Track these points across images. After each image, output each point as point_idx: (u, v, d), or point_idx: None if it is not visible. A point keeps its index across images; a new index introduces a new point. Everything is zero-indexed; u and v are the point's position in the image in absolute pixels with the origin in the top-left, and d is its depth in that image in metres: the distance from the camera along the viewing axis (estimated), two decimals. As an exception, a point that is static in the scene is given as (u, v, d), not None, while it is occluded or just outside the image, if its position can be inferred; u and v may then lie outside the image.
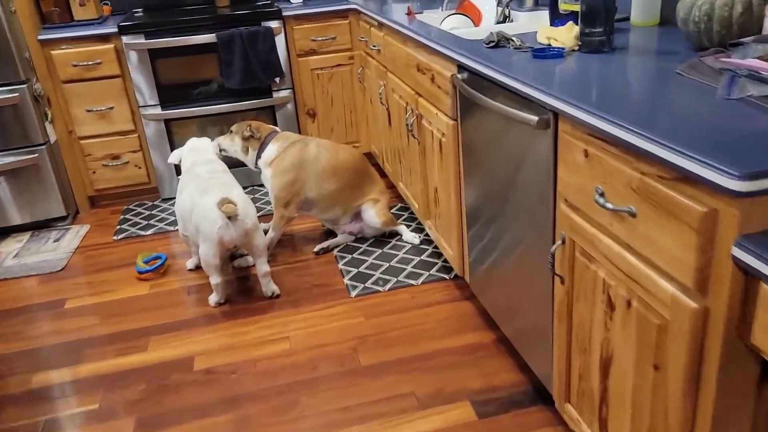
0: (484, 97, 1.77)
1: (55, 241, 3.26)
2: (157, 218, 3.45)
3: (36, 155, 3.28)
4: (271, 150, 2.81)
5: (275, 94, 3.61)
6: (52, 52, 3.30)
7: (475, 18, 2.72)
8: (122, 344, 2.37)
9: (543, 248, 1.64)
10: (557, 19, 2.02)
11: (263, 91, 3.59)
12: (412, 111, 2.61)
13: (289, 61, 3.59)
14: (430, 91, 2.36)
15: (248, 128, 2.84)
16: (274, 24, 3.46)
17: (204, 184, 2.49)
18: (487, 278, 2.14)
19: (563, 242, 1.47)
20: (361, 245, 2.95)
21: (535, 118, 1.48)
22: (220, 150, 2.88)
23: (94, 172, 3.56)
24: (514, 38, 1.87)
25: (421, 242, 2.92)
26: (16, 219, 3.33)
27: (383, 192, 2.99)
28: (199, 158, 2.74)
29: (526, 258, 1.76)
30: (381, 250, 2.88)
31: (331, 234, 3.08)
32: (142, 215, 3.51)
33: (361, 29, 3.52)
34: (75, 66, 3.33)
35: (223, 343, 2.32)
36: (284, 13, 3.48)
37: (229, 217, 2.33)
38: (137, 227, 3.35)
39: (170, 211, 3.52)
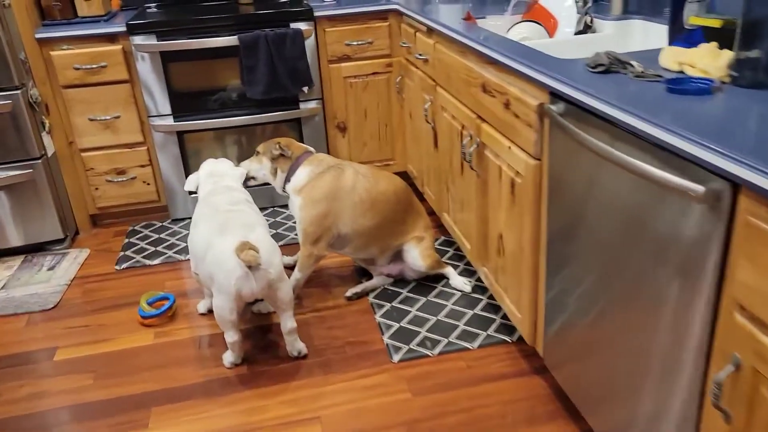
0: (601, 143, 1.32)
1: (49, 269, 2.86)
2: (165, 243, 3.03)
3: (31, 170, 2.87)
4: (302, 175, 2.38)
5: (302, 105, 3.18)
6: (52, 52, 2.89)
7: (549, 26, 2.27)
8: (118, 417, 1.95)
9: (679, 356, 1.19)
10: (681, 35, 1.56)
11: (289, 102, 3.15)
12: (472, 138, 2.17)
13: (319, 68, 3.15)
14: (501, 119, 1.91)
15: (277, 146, 2.40)
16: (303, 26, 3.03)
17: (222, 220, 2.07)
18: (571, 356, 1.69)
19: (737, 368, 1.02)
20: (401, 290, 2.51)
21: (700, 188, 1.04)
22: (249, 179, 2.46)
23: (96, 189, 3.16)
24: (633, 62, 1.42)
25: (473, 289, 2.48)
26: (7, 241, 2.94)
27: (428, 228, 2.55)
28: (219, 185, 2.32)
29: (647, 359, 1.32)
30: (425, 299, 2.45)
31: (364, 273, 2.65)
32: (150, 239, 3.10)
33: (403, 34, 3.08)
34: (77, 69, 2.91)
35: (239, 422, 1.90)
36: (316, 14, 3.05)
37: (249, 266, 1.91)
38: (143, 254, 2.94)
39: (181, 234, 3.11)
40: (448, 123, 2.48)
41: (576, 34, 2.21)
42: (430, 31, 2.62)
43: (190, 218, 3.22)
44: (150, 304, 2.46)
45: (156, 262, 2.88)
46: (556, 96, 1.55)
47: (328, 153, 3.34)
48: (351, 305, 2.46)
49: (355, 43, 3.14)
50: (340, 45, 3.13)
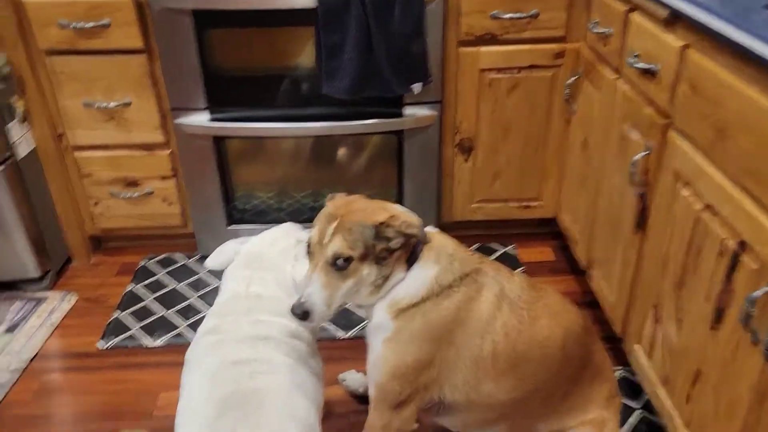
0: None
1: (9, 330, 1.91)
2: (180, 303, 2.01)
3: (-12, 180, 1.89)
4: (418, 282, 1.20)
5: (408, 111, 2.00)
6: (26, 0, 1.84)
7: None
8: None
9: None
10: None
11: (388, 104, 1.98)
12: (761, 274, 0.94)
13: (442, 54, 1.94)
14: None
15: (390, 223, 1.15)
16: (426, -18, 1.81)
17: (221, 396, 1.02)
18: None
19: None
20: (551, 503, 1.37)
21: None
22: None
23: (96, 203, 2.16)
24: None
25: None
26: (-37, 272, 2.02)
27: (612, 398, 1.35)
28: (253, 283, 1.25)
29: None
30: None
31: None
32: (162, 289, 2.08)
33: (596, 8, 1.80)
34: (64, 27, 1.85)
35: None
36: (448, -37, 1.82)
37: None
38: (144, 322, 1.93)
39: (209, 287, 2.07)
40: (693, 214, 1.25)
41: None
42: (675, 21, 1.34)
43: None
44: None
45: (158, 342, 1.86)
46: None
47: (439, 186, 2.17)
48: None
49: (507, 15, 1.89)
50: (481, 17, 1.89)
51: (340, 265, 1.13)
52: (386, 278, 1.18)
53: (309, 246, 1.18)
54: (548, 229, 2.34)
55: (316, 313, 1.14)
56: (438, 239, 1.24)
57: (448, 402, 1.25)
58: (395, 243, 1.15)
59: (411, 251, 1.19)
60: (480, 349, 1.19)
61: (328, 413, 1.61)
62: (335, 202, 1.22)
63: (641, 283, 1.53)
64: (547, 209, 2.23)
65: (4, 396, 1.69)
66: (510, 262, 2.21)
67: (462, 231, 2.36)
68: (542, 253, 2.28)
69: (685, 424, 1.34)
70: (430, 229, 1.26)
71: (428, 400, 1.24)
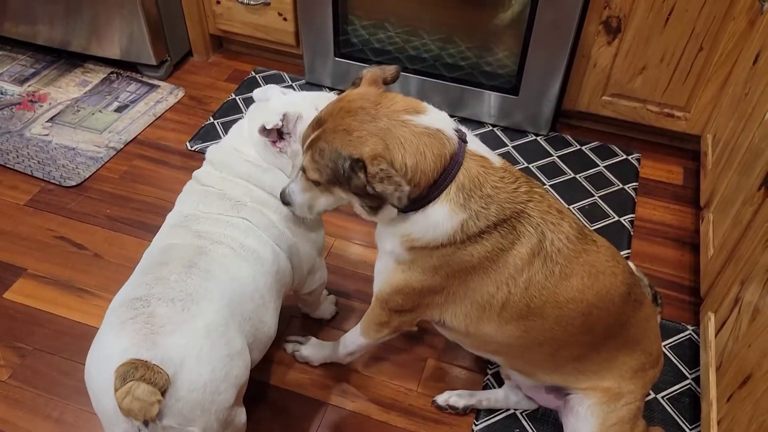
0: None
1: (117, 110, 2.05)
2: (273, 124, 2.02)
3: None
4: (437, 227, 0.98)
5: (552, -31, 1.66)
6: None
7: None
8: None
9: None
10: None
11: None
12: None
13: None
14: None
15: (368, 165, 0.90)
16: None
17: (154, 276, 1.00)
18: None
19: None
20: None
21: None
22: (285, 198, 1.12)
23: (218, 2, 2.13)
24: None
25: None
26: (100, 46, 2.14)
27: (643, 372, 1.16)
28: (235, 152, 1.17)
29: None
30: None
31: (488, 363, 1.41)
32: (261, 105, 2.09)
33: None
34: None
35: None
36: None
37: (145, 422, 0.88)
38: (233, 134, 1.98)
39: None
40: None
41: None
42: None
43: (330, 89, 2.13)
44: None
45: (237, 157, 1.91)
46: None
47: (570, 66, 1.86)
48: (441, 420, 1.33)
49: None
50: None
51: (311, 180, 1.01)
52: (377, 209, 0.98)
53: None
54: (686, 147, 1.97)
55: (297, 210, 1.09)
56: (474, 170, 0.97)
57: (446, 324, 1.14)
58: (373, 189, 0.91)
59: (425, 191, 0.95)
60: (492, 296, 1.04)
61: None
62: (343, 99, 0.98)
63: (740, 251, 1.25)
64: (693, 124, 1.86)
65: (97, 169, 1.86)
66: (626, 172, 1.92)
67: (582, 122, 2.06)
68: (670, 173, 1.94)
69: (718, 420, 1.14)
70: (475, 147, 0.99)
71: (428, 316, 1.15)
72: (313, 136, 0.96)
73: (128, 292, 0.99)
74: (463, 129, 1.02)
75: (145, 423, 0.88)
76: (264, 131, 1.10)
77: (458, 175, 0.96)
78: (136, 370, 0.84)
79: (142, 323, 0.91)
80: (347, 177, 0.93)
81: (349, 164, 0.91)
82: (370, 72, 1.01)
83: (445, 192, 0.95)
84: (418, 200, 0.96)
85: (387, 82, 1.02)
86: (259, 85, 2.16)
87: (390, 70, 1.03)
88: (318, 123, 0.97)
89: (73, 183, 1.80)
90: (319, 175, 0.97)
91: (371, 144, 0.91)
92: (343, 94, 1.00)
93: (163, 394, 0.85)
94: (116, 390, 0.84)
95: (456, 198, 0.96)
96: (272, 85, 1.23)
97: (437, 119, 0.97)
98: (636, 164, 1.95)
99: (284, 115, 1.09)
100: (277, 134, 1.12)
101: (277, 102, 1.13)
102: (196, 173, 1.19)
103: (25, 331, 1.47)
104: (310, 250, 1.22)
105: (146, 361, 0.85)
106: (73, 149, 1.90)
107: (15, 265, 1.59)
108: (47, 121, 1.99)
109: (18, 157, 1.86)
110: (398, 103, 0.96)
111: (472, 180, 0.96)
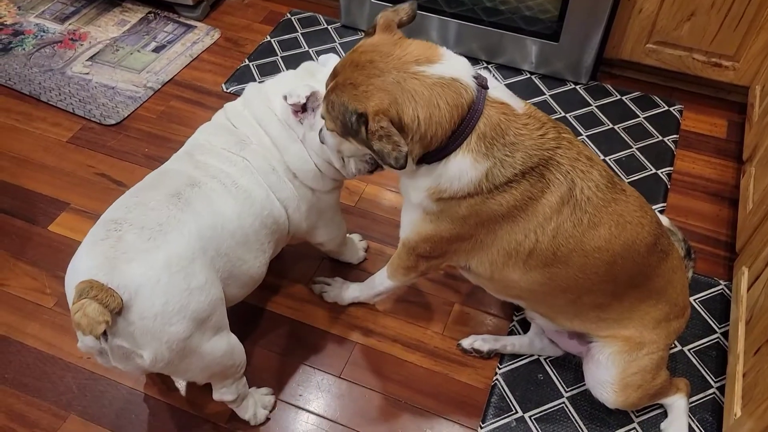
0: None
1: (156, 50, 2.07)
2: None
3: None
4: (461, 177, 0.97)
5: None
6: None
7: None
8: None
9: None
10: None
11: None
12: None
13: None
14: None
15: (370, 121, 0.91)
16: None
17: (143, 202, 1.05)
18: None
19: None
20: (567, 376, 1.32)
21: None
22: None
23: (255, -58, 2.11)
24: None
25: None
26: (133, -17, 2.15)
27: (666, 322, 1.15)
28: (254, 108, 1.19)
29: None
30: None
31: (514, 310, 1.42)
32: (295, 50, 2.07)
33: None
34: None
35: None
36: None
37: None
38: (264, 78, 1.98)
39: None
40: None
41: None
42: None
43: (364, 32, 2.10)
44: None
45: (272, 100, 1.92)
46: None
47: (614, 11, 1.79)
48: (465, 363, 1.36)
49: None
50: None
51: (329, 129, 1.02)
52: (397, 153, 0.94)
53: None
54: (731, 99, 1.90)
55: (330, 153, 1.16)
56: (495, 118, 0.95)
57: (471, 269, 1.15)
58: (371, 147, 0.91)
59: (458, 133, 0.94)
60: (519, 244, 1.04)
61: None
62: (356, 51, 0.96)
63: (780, 206, 1.22)
64: (742, 75, 1.79)
65: (135, 109, 1.89)
66: (666, 124, 1.86)
67: (624, 72, 2.00)
68: (714, 126, 1.88)
69: (744, 373, 1.14)
70: (497, 94, 0.97)
71: (455, 262, 1.16)
72: (329, 87, 0.97)
73: (112, 210, 1.05)
74: (485, 74, 1.00)
75: (105, 338, 0.95)
76: (289, 99, 1.11)
77: (478, 124, 0.94)
78: (91, 290, 0.90)
79: (108, 246, 0.96)
80: (355, 130, 0.93)
81: (355, 118, 0.91)
82: (383, 17, 0.99)
83: (465, 142, 0.95)
84: (439, 151, 0.95)
85: (403, 24, 1.00)
86: (294, 28, 2.16)
87: (404, 9, 1.00)
88: (333, 75, 0.97)
89: (113, 122, 1.84)
90: (334, 126, 0.98)
91: (377, 99, 0.91)
92: (358, 44, 0.98)
93: (117, 315, 0.91)
94: (72, 304, 0.91)
95: (477, 147, 0.95)
96: (334, 56, 1.22)
97: (453, 67, 0.94)
98: (678, 116, 1.89)
99: (313, 93, 1.10)
100: (300, 106, 1.12)
101: (325, 74, 1.13)
102: (226, 105, 1.22)
103: (68, 261, 1.54)
104: (307, 210, 1.23)
105: (102, 284, 0.91)
106: (113, 88, 1.93)
107: (59, 200, 1.65)
108: (87, 60, 2.02)
109: (60, 94, 1.91)
110: (411, 53, 0.93)
111: (494, 128, 0.95)
